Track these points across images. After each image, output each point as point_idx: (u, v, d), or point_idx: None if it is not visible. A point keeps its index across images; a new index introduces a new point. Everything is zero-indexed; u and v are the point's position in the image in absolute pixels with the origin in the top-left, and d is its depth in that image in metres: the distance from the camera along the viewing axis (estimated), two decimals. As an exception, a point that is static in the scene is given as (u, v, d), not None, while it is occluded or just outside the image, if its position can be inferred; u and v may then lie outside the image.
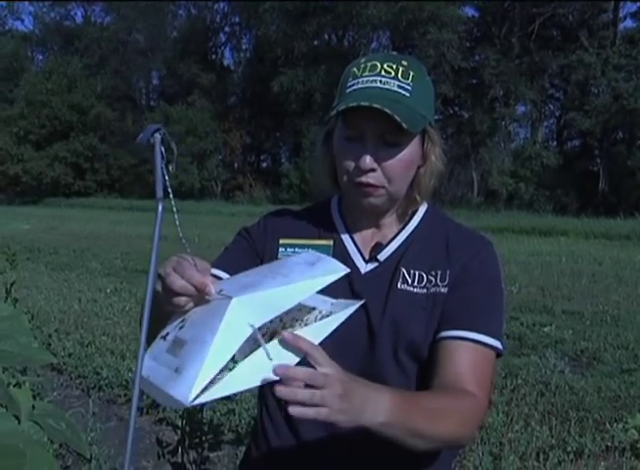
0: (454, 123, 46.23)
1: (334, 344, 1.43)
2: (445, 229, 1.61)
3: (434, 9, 43.00)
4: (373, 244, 1.60)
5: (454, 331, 1.47)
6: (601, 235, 25.47)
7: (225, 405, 5.47)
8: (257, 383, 1.08)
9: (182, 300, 1.17)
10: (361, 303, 1.27)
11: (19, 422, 1.21)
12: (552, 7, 42.96)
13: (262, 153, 59.70)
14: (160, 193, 0.95)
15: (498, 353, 1.51)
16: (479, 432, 4.91)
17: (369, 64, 1.49)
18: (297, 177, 45.64)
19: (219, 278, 1.56)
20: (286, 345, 1.11)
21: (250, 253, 1.64)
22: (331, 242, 1.61)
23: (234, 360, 1.11)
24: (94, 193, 54.53)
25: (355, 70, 1.50)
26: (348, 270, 1.23)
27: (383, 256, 1.58)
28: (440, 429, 1.35)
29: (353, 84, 1.48)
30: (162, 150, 0.98)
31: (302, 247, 1.60)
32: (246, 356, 1.09)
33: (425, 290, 1.52)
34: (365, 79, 1.47)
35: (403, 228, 1.61)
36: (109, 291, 11.43)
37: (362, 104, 1.39)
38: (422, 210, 1.64)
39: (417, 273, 1.54)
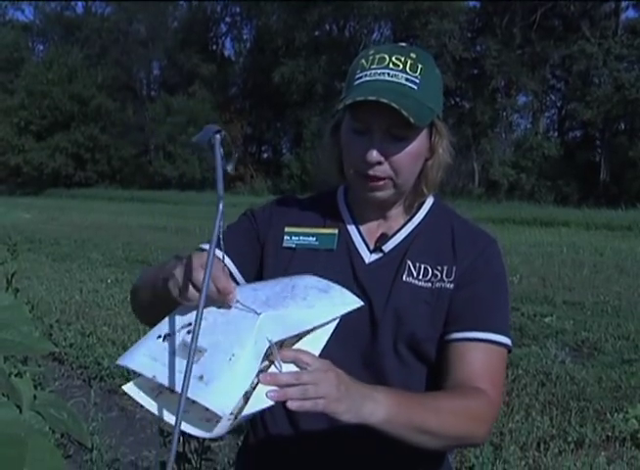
0: (455, 114, 46.13)
1: (336, 333, 1.44)
2: (451, 224, 1.60)
3: (436, -1, 42.95)
4: (378, 235, 1.59)
5: (464, 333, 1.48)
6: (602, 226, 25.46)
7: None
8: (272, 401, 1.11)
9: (196, 295, 1.18)
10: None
11: (20, 411, 1.21)
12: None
13: (263, 143, 59.66)
14: (220, 191, 0.98)
15: (508, 350, 1.52)
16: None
17: (377, 56, 1.48)
18: (299, 168, 45.59)
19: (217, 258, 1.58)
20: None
21: (250, 235, 1.64)
22: (336, 231, 1.60)
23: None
24: (95, 184, 54.45)
25: (364, 61, 1.49)
26: (363, 304, 1.29)
27: (388, 247, 1.57)
28: (448, 426, 1.36)
29: (361, 77, 1.47)
30: (222, 151, 1.02)
31: (307, 235, 1.61)
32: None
33: (430, 284, 1.52)
34: (373, 72, 1.46)
35: (409, 220, 1.61)
36: (110, 281, 11.45)
37: (369, 98, 1.39)
38: (429, 203, 1.64)
39: (422, 266, 1.54)
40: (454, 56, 43.07)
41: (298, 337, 1.24)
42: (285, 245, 1.60)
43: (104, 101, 55.58)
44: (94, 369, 6.47)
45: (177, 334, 1.15)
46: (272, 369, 1.15)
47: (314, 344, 1.23)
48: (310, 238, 1.60)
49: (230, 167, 1.05)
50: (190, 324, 1.15)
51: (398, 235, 1.59)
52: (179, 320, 1.19)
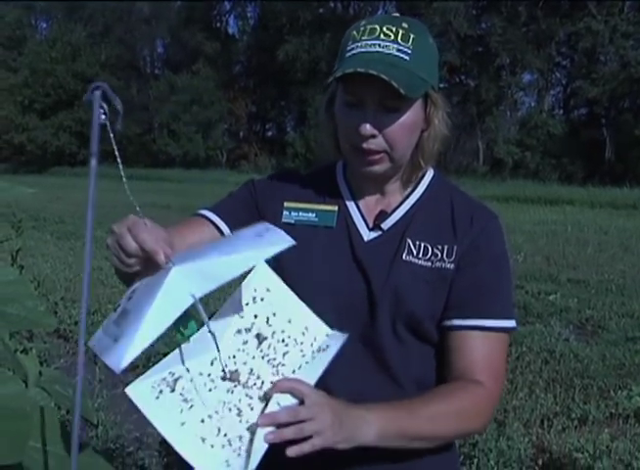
0: (460, 92, 45.95)
1: (335, 311, 1.44)
2: (451, 199, 1.58)
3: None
4: (377, 212, 1.57)
5: (465, 320, 1.48)
6: (607, 204, 25.41)
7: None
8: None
9: (132, 261, 1.16)
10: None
11: (26, 387, 1.21)
12: (560, -27, 42.55)
13: (267, 122, 59.56)
14: (94, 148, 0.94)
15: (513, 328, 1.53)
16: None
17: (368, 27, 1.45)
18: (303, 146, 45.53)
19: (214, 224, 1.57)
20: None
21: (250, 205, 1.62)
22: (335, 207, 1.58)
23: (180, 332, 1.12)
24: (99, 162, 54.35)
25: (355, 33, 1.46)
26: (294, 242, 1.22)
27: (386, 224, 1.55)
28: (442, 430, 1.41)
29: (352, 48, 1.44)
30: (106, 107, 0.96)
31: (306, 211, 1.59)
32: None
33: (429, 263, 1.50)
34: (364, 43, 1.43)
35: (408, 196, 1.58)
36: (114, 259, 11.44)
37: (359, 70, 1.36)
38: (428, 177, 1.61)
39: (422, 245, 1.52)
40: (459, 33, 42.80)
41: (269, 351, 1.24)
42: (284, 220, 1.58)
43: (107, 79, 55.33)
44: (99, 347, 6.48)
45: (122, 303, 1.13)
46: (270, 409, 1.16)
47: (310, 373, 1.23)
48: (310, 214, 1.59)
49: (118, 125, 1.00)
50: (133, 291, 1.14)
51: (397, 212, 1.56)
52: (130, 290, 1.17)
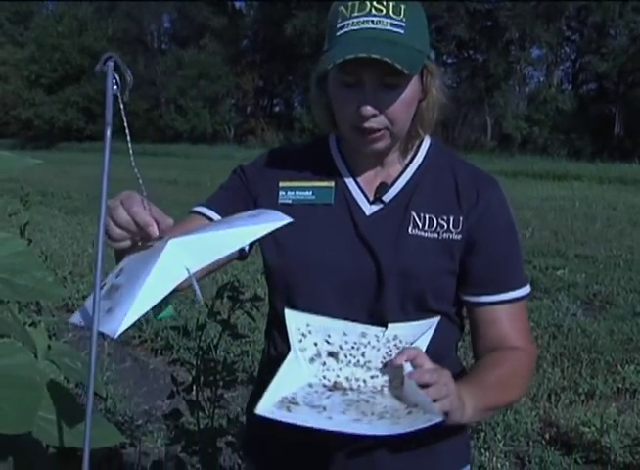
0: (468, 67, 45.77)
1: (342, 287, 1.44)
2: (452, 167, 1.56)
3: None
4: (377, 184, 1.55)
5: (490, 296, 1.52)
6: (615, 180, 25.32)
7: (239, 347, 5.52)
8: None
9: (119, 233, 1.14)
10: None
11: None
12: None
13: (275, 97, 59.41)
14: (108, 119, 0.94)
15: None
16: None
17: (357, 2, 1.39)
18: (310, 121, 45.34)
19: (210, 219, 1.56)
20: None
21: (242, 192, 1.60)
22: (332, 183, 1.56)
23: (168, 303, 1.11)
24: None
25: (343, 9, 1.40)
26: (291, 220, 1.19)
27: (388, 196, 1.53)
28: (510, 396, 1.51)
29: (343, 26, 1.39)
30: (118, 78, 0.96)
31: (303, 189, 1.56)
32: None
33: (436, 235, 1.49)
34: (355, 20, 1.38)
35: (407, 165, 1.56)
36: (122, 234, 11.47)
37: (360, 55, 1.31)
38: (425, 144, 1.59)
39: (427, 217, 1.50)
40: (467, 8, 42.53)
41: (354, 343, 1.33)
42: (281, 201, 1.56)
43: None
44: (107, 321, 6.50)
45: (109, 281, 1.13)
46: (407, 368, 1.23)
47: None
48: (307, 192, 1.56)
49: (125, 96, 1.00)
50: (121, 269, 1.14)
51: (398, 183, 1.54)
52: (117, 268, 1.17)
